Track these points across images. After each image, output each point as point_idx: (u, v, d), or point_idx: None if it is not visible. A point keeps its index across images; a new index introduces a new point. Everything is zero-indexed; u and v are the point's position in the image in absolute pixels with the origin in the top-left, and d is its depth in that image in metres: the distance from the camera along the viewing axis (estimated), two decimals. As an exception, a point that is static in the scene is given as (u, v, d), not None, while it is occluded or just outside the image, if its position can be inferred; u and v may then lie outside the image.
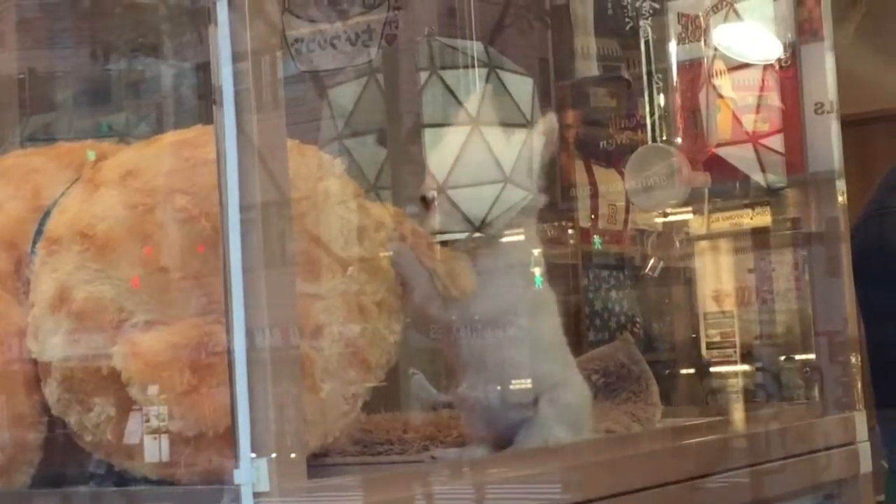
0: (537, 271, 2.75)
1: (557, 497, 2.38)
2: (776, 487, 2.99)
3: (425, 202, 2.58)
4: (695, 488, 2.71)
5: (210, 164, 2.06)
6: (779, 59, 3.63)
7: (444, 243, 2.55)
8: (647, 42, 3.59)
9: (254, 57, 1.98)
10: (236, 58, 1.96)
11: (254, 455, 1.91)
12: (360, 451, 2.58)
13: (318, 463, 2.29)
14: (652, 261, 4.17)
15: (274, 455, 1.91)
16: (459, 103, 2.95)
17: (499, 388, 2.59)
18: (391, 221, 2.47)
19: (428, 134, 2.98)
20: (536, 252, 2.76)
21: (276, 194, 1.99)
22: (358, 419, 2.43)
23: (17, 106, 4.04)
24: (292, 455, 1.95)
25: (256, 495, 1.89)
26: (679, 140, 3.51)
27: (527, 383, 2.62)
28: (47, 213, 2.29)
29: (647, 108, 3.53)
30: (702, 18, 3.65)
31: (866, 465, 3.25)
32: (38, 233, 2.27)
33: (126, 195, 2.22)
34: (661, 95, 3.56)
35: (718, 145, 3.61)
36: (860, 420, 3.28)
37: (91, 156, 2.46)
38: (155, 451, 2.14)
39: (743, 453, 2.96)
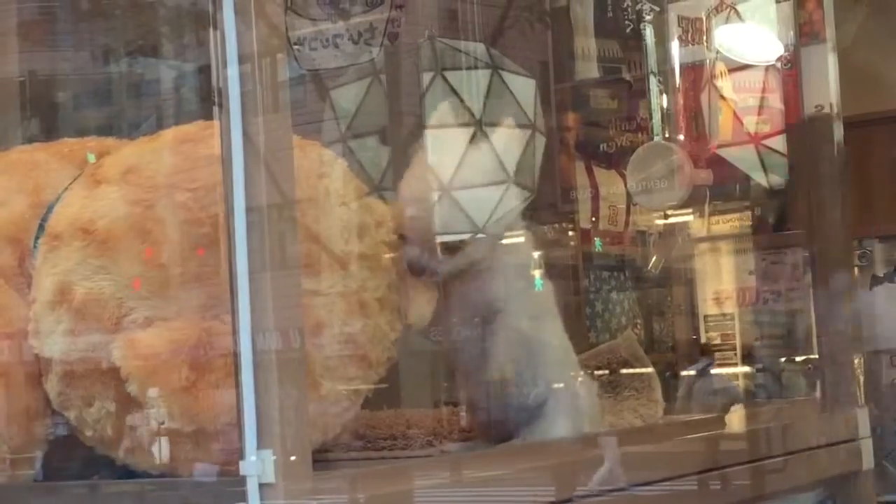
0: (538, 272, 2.74)
1: (567, 490, 2.39)
2: (779, 483, 2.99)
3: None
4: (696, 484, 2.71)
5: (211, 160, 2.06)
6: (780, 61, 3.63)
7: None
8: (648, 44, 3.59)
9: (258, 59, 1.97)
10: (241, 60, 1.95)
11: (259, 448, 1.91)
12: (363, 446, 2.58)
13: (322, 458, 2.29)
14: (654, 258, 4.17)
15: (279, 447, 1.91)
16: (463, 104, 2.95)
17: (502, 388, 2.59)
18: (394, 216, 2.47)
19: (431, 135, 2.98)
20: (537, 253, 2.76)
21: (282, 197, 1.98)
22: (361, 416, 2.43)
23: (18, 108, 4.05)
24: (297, 448, 1.94)
25: (262, 487, 1.88)
26: (681, 138, 3.51)
27: (531, 384, 2.62)
28: (49, 209, 2.29)
29: (650, 109, 3.53)
30: (703, 21, 3.65)
31: (868, 462, 3.25)
32: (40, 228, 2.27)
33: (127, 191, 2.22)
34: (664, 96, 3.56)
35: (720, 146, 3.61)
36: (862, 417, 3.28)
37: (91, 158, 2.45)
38: (155, 446, 2.15)
39: (745, 449, 2.96)
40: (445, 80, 3.07)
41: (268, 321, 1.92)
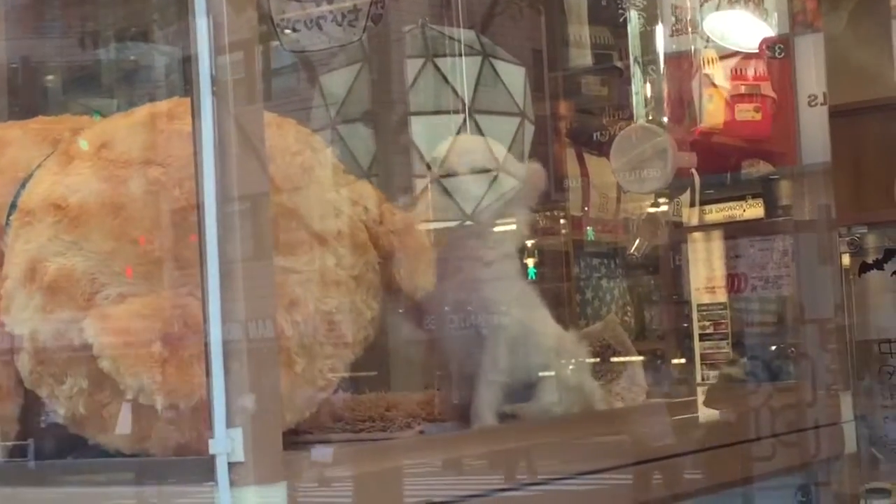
0: (530, 261, 2.74)
1: (549, 469, 2.38)
2: (761, 466, 2.99)
3: None
4: (680, 467, 2.71)
5: (184, 136, 2.04)
6: (772, 49, 3.63)
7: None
8: (639, 31, 3.59)
9: (235, 48, 1.95)
10: (217, 50, 1.93)
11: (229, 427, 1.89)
12: (342, 428, 2.56)
13: (301, 440, 2.27)
14: (637, 241, 4.16)
15: (249, 426, 1.89)
16: (454, 91, 2.95)
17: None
18: (371, 195, 2.45)
19: (421, 122, 2.98)
20: (528, 242, 2.75)
21: (255, 184, 1.97)
22: (340, 397, 2.41)
23: (6, 94, 4.04)
24: (268, 426, 1.93)
25: (232, 465, 1.87)
26: (666, 120, 3.51)
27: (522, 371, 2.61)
28: (22, 186, 2.28)
29: (638, 96, 3.53)
30: (688, 9, 3.65)
31: (851, 446, 3.25)
32: (13, 205, 2.26)
33: (100, 167, 2.20)
34: (651, 84, 3.56)
35: (712, 134, 3.61)
36: (845, 401, 3.28)
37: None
38: (127, 424, 2.13)
39: (727, 433, 2.96)
40: (436, 66, 3.07)
41: (239, 301, 1.90)
